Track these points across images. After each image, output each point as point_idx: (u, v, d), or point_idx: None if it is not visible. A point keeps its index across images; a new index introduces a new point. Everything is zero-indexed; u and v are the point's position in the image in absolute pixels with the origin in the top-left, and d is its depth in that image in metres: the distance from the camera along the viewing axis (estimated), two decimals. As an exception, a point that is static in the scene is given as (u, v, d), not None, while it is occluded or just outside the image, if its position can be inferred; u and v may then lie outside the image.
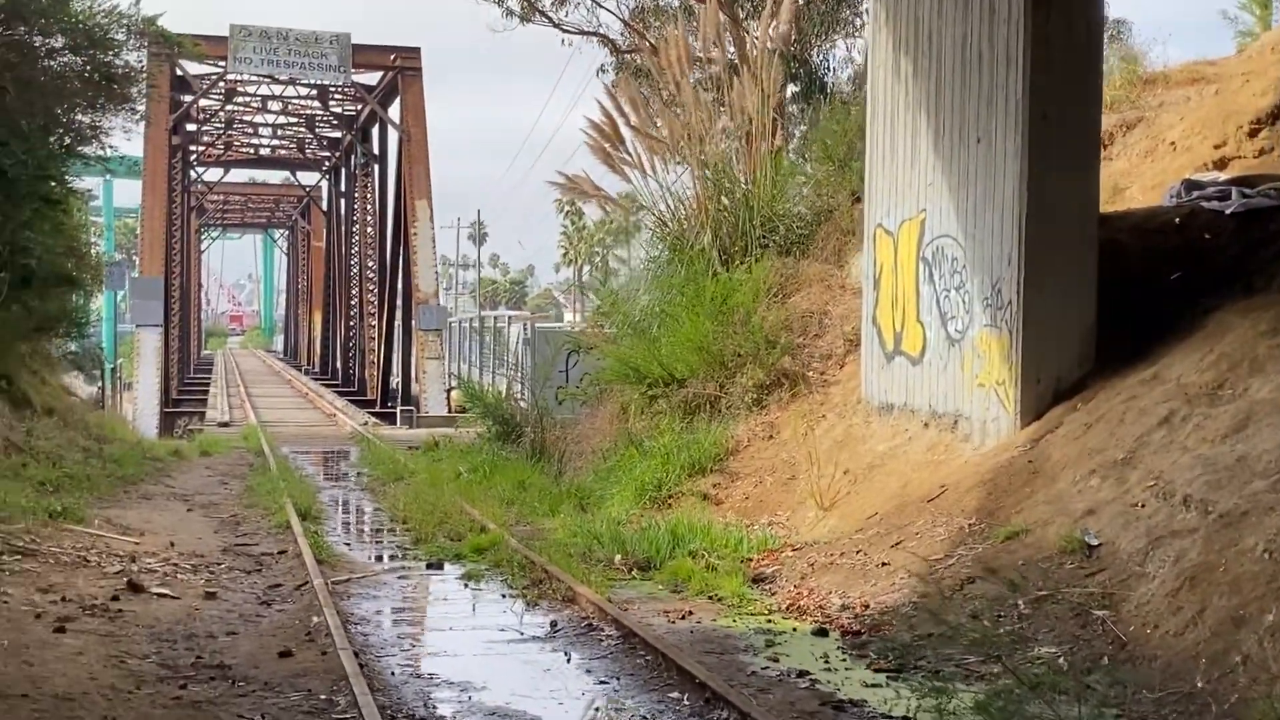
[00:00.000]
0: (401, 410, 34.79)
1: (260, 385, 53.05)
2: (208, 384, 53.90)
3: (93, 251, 25.82)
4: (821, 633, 10.10)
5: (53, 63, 20.47)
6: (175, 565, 12.11)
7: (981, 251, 13.39)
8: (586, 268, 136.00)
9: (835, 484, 14.33)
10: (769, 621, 10.57)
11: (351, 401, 42.79)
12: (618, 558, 13.05)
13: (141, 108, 23.41)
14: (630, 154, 21.15)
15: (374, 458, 23.56)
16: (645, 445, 16.81)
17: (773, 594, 11.65)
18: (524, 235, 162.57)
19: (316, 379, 61.02)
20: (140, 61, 22.23)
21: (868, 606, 10.62)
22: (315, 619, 10.08)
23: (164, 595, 10.80)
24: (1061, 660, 8.56)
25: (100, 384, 27.29)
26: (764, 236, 19.90)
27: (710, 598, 11.43)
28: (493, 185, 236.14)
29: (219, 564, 12.57)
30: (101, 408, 26.52)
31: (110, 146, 22.76)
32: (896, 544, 11.68)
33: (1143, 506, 9.92)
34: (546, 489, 18.07)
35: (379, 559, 14.08)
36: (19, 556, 11.22)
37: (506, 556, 13.09)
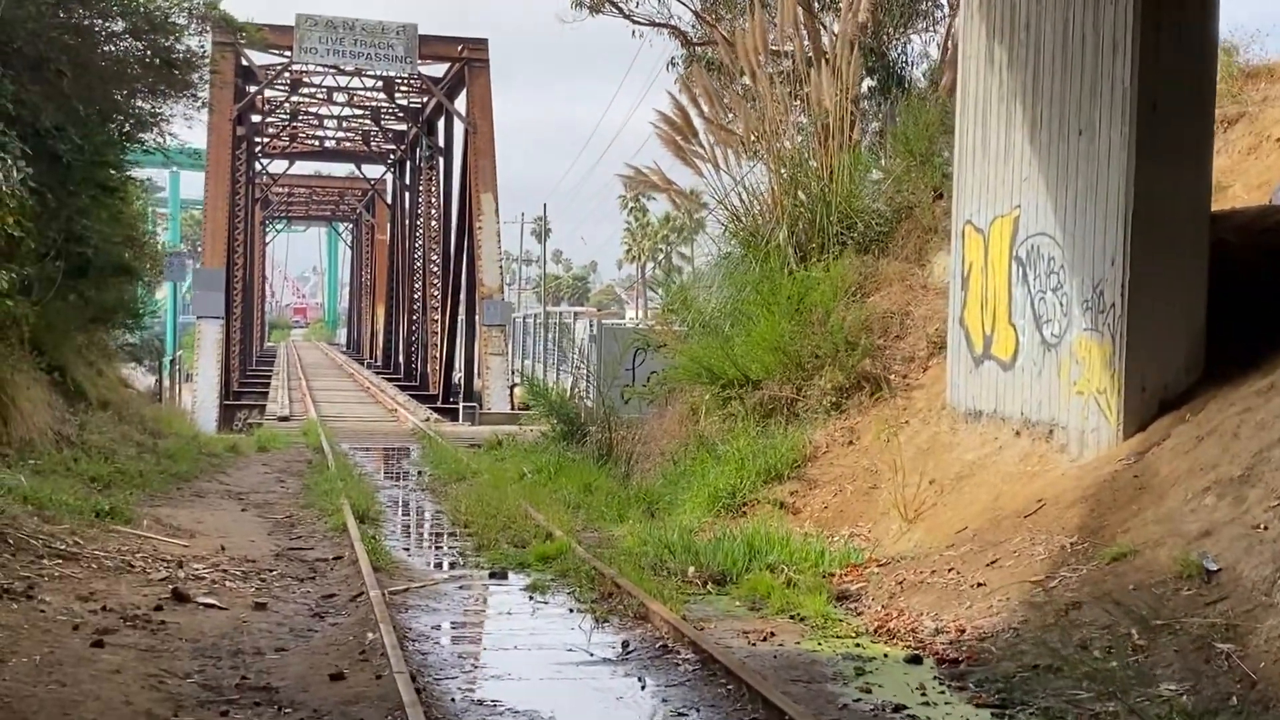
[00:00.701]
0: (464, 407, 34.19)
1: (322, 378, 52.72)
2: (269, 376, 53.63)
3: (152, 241, 25.33)
4: (915, 660, 9.30)
5: (112, 47, 20.01)
6: (224, 571, 11.48)
7: (1082, 251, 12.54)
8: (650, 264, 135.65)
9: (921, 494, 13.52)
10: (857, 645, 9.79)
11: (413, 396, 42.28)
12: (691, 570, 12.31)
13: (204, 94, 22.93)
14: (703, 147, 20.40)
15: (435, 456, 22.94)
16: (718, 449, 16.05)
17: (859, 614, 10.87)
18: (586, 232, 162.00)
19: (379, 373, 60.71)
20: (202, 47, 21.72)
21: (964, 631, 9.81)
22: (370, 635, 9.40)
23: (211, 605, 10.17)
24: (1185, 699, 7.74)
25: (158, 376, 26.87)
26: (841, 233, 19.10)
27: (792, 617, 10.66)
28: (556, 182, 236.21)
29: (271, 570, 11.94)
30: (159, 401, 26.05)
31: (171, 134, 22.35)
32: (992, 563, 10.87)
33: (1266, 529, 9.06)
34: (614, 493, 17.38)
35: (439, 566, 13.41)
36: (60, 560, 10.64)
37: (573, 566, 12.41)
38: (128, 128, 21.03)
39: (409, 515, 17.37)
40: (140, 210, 24.60)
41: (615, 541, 14.41)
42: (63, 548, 10.94)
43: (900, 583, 11.29)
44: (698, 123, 20.26)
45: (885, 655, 9.50)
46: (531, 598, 11.56)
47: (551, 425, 24.18)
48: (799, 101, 21.24)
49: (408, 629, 10.01)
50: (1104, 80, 12.26)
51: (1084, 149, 12.56)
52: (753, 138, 20.74)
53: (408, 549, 14.17)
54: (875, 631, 10.25)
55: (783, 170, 19.73)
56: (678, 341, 20.78)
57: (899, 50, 28.39)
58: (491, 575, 12.53)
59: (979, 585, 10.60)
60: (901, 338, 16.91)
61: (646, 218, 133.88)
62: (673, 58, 34.28)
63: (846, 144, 20.04)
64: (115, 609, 9.69)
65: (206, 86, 22.98)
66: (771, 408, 16.66)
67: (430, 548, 14.72)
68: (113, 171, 19.37)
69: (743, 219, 20.07)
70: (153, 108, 22.21)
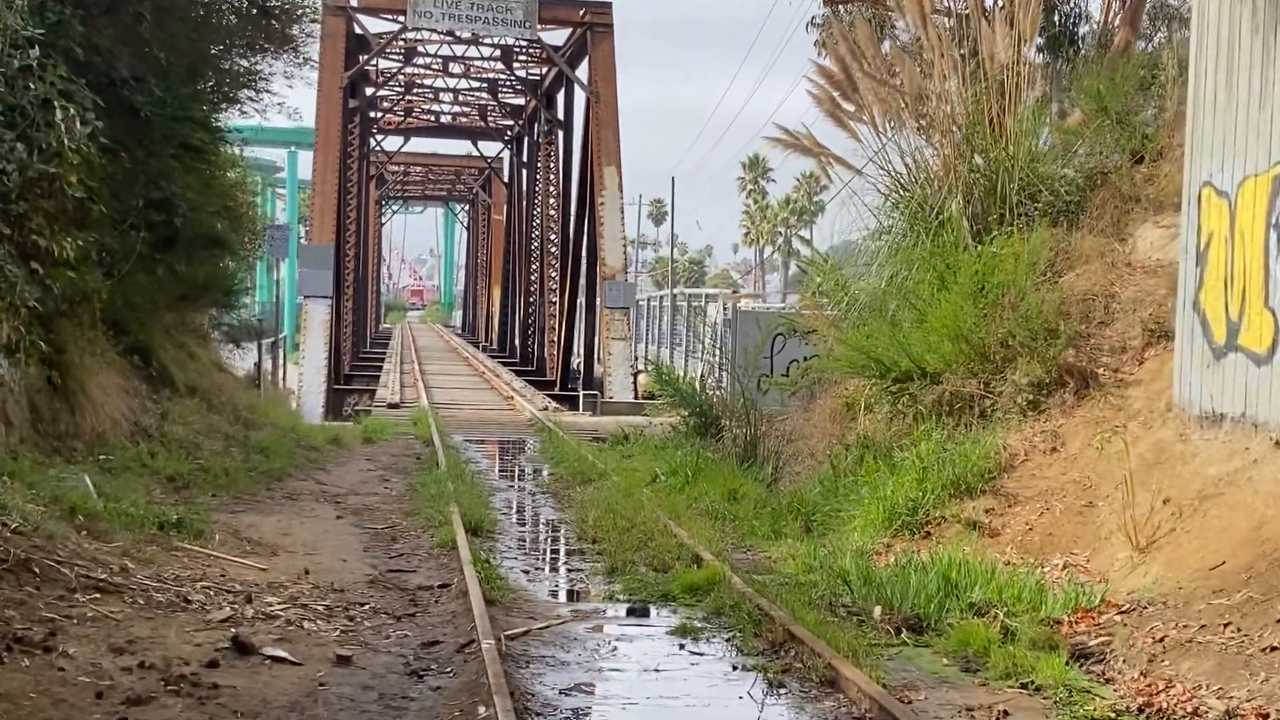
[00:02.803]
0: (584, 395, 31.97)
1: (435, 362, 50.89)
2: (382, 359, 51.98)
3: (252, 213, 23.38)
4: (1215, 764, 6.81)
5: (202, -7, 18.03)
6: (304, 607, 9.27)
7: (1377, 215, 9.87)
8: (769, 247, 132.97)
9: (1154, 517, 10.94)
10: (1124, 736, 7.32)
11: (529, 382, 40.16)
12: (878, 611, 9.91)
13: (306, 51, 20.86)
14: (863, 106, 17.88)
15: (556, 452, 20.69)
16: (894, 456, 13.58)
17: (1108, 680, 8.39)
18: (701, 216, 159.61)
19: (494, 356, 58.84)
20: (304, -2, 19.64)
21: (1268, 718, 7.30)
22: (483, 711, 7.10)
23: (280, 659, 7.93)
24: None
25: (258, 360, 25.05)
26: (1023, 203, 16.50)
27: (1024, 686, 8.20)
28: (671, 165, 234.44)
29: (362, 604, 9.70)
30: (258, 386, 24.14)
31: (270, 92, 20.33)
32: (1287, 618, 8.32)
33: None
34: (762, 501, 15.00)
35: (565, 596, 11.11)
36: (98, 594, 8.48)
37: (730, 602, 10.07)
38: (218, 83, 19.05)
39: (528, 526, 15.08)
40: (240, 179, 22.59)
41: (773, 566, 12.08)
42: (104, 576, 8.79)
43: (1160, 640, 8.76)
44: (859, 79, 17.73)
45: (1170, 756, 7.02)
46: (682, 647, 9.22)
47: (683, 418, 21.85)
48: (969, 55, 18.62)
49: (529, 695, 7.71)
50: None
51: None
52: (919, 95, 18.21)
53: (528, 571, 11.88)
54: (1140, 712, 7.75)
55: (955, 131, 17.14)
56: (830, 327, 18.33)
57: (1071, 3, 25.53)
58: (630, 612, 10.22)
59: (1273, 649, 8.07)
60: (1107, 324, 14.26)
61: (765, 200, 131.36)
62: (813, 17, 31.84)
63: (1025, 102, 17.42)
64: (157, 665, 7.51)
65: (311, 42, 20.85)
66: (953, 405, 14.15)
67: (554, 570, 12.35)
68: (201, 132, 17.26)
69: (909, 188, 17.50)
70: (250, 64, 20.24)
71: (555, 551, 13.31)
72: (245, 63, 20.18)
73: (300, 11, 19.65)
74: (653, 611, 10.24)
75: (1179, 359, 12.37)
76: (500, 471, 19.91)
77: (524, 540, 13.69)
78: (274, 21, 19.50)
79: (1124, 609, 9.61)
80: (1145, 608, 9.51)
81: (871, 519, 12.69)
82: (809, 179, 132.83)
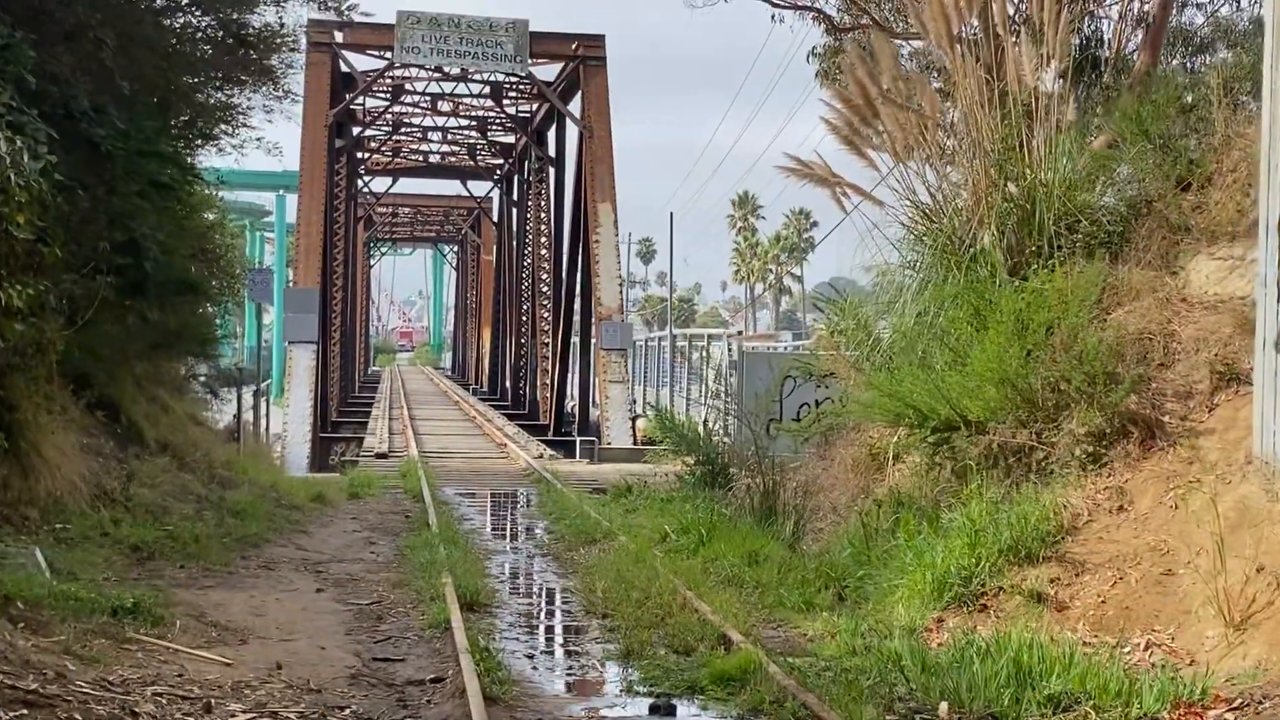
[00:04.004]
0: (581, 442, 30.57)
1: (425, 407, 49.46)
2: (371, 403, 50.55)
3: (230, 256, 22.03)
4: None
5: (171, 21, 16.72)
6: (273, 716, 7.84)
7: None
8: (759, 285, 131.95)
9: (1249, 588, 9.59)
10: None
11: (523, 427, 38.71)
12: (943, 707, 8.53)
13: (287, 83, 19.56)
14: (886, 131, 16.60)
15: (555, 506, 19.28)
16: (938, 515, 12.21)
17: (1233, 800, 7.00)
18: (689, 254, 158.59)
19: (484, 399, 57.41)
20: (282, 24, 18.36)
21: None
22: None
23: (238, 797, 6.52)
24: None
25: (237, 411, 23.65)
26: (1060, 234, 15.20)
27: (1136, 813, 6.82)
28: (660, 205, 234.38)
29: (342, 708, 8.28)
30: (236, 439, 22.73)
31: (248, 126, 19.02)
32: None
33: None
34: (786, 565, 13.60)
35: (577, 689, 9.69)
36: (24, 711, 7.05)
37: (770, 697, 8.66)
38: (193, 118, 17.74)
39: (529, 597, 13.60)
40: (218, 220, 21.26)
41: (809, 645, 10.70)
42: (35, 686, 7.37)
43: (1289, 747, 7.39)
44: (880, 104, 16.46)
45: None
46: (720, 760, 7.83)
47: (688, 467, 20.50)
48: (995, 78, 17.38)
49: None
50: None
51: None
52: (942, 120, 16.99)
53: (531, 656, 10.46)
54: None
55: (988, 157, 15.85)
56: (851, 370, 17.02)
57: (1091, 27, 24.36)
58: (653, 710, 8.81)
59: None
60: (1167, 366, 12.90)
61: (756, 237, 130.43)
62: (814, 47, 30.65)
63: (1065, 125, 16.17)
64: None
65: (292, 74, 19.57)
66: (1001, 459, 12.79)
67: (561, 653, 10.85)
68: (171, 168, 15.94)
69: (936, 219, 16.19)
70: (227, 98, 18.94)
71: (561, 630, 11.86)
72: (222, 96, 18.86)
73: (279, 41, 18.35)
74: (680, 708, 8.84)
75: (1260, 406, 11.03)
76: (495, 530, 18.48)
77: (525, 615, 12.25)
78: (251, 51, 18.24)
79: (1235, 703, 8.24)
80: (1260, 701, 8.14)
81: (918, 589, 11.30)
82: (799, 215, 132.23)
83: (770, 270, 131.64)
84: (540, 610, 12.88)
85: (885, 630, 10.64)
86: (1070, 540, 11.27)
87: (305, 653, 9.76)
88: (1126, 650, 9.74)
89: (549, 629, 11.94)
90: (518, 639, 11.01)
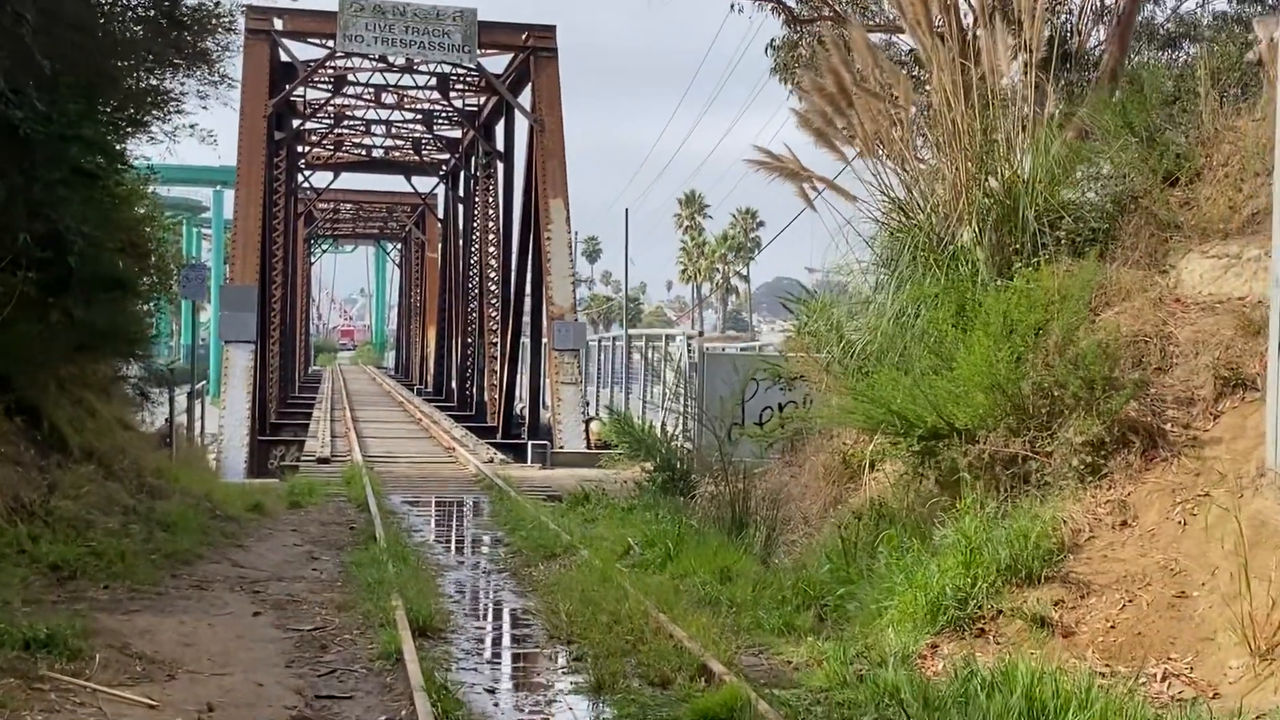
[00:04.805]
0: (533, 446, 29.54)
1: (368, 408, 48.24)
2: (312, 404, 49.27)
3: (163, 251, 20.89)
4: None
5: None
6: (202, 773, 6.86)
7: None
8: (706, 284, 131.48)
9: (1274, 614, 8.81)
10: None
11: (470, 429, 37.65)
12: (954, 752, 7.65)
13: (223, 68, 18.45)
14: (860, 123, 15.79)
15: (510, 516, 18.31)
16: (926, 530, 11.37)
17: None
18: (634, 254, 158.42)
19: (429, 400, 56.24)
20: (217, 3, 17.26)
21: None
22: None
23: None
24: None
25: (169, 415, 22.52)
26: (1042, 231, 14.43)
27: None
28: (604, 205, 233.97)
29: (281, 760, 7.32)
30: (168, 444, 21.60)
31: (180, 113, 17.93)
32: None
33: None
34: (761, 582, 12.72)
35: (546, 731, 8.76)
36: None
37: (761, 743, 7.77)
38: (122, 104, 16.63)
39: (487, 620, 12.59)
40: (150, 213, 20.11)
41: (795, 675, 9.80)
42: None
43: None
44: (855, 94, 15.65)
45: None
46: (712, 816, 6.92)
47: (648, 474, 19.61)
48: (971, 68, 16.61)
49: None
50: None
51: None
52: (920, 112, 16.25)
53: (493, 690, 9.52)
54: None
55: (967, 150, 15.06)
56: (823, 373, 16.20)
57: (1060, 19, 23.70)
58: (633, 758, 7.91)
59: None
60: (1165, 371, 12.12)
61: (702, 237, 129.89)
62: (772, 39, 29.91)
63: (1046, 118, 15.42)
64: None
65: (228, 58, 18.45)
66: (989, 469, 11.96)
67: (526, 688, 9.88)
68: (97, 155, 14.85)
69: (912, 215, 15.38)
70: (159, 82, 17.83)
71: (524, 657, 10.86)
72: (153, 80, 17.75)
73: (214, 22, 17.25)
74: (662, 754, 7.95)
75: (1272, 415, 10.23)
76: (446, 542, 17.46)
77: (484, 641, 11.28)
78: (185, 33, 17.13)
79: (1275, 747, 7.44)
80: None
81: (909, 612, 10.43)
82: (746, 215, 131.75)
83: (717, 270, 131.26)
84: (500, 635, 11.86)
85: (877, 657, 9.78)
86: (1073, 559, 10.45)
87: (241, 690, 8.77)
88: (1141, 681, 8.93)
89: (511, 658, 10.94)
90: (476, 669, 10.06)
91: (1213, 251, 13.32)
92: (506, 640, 11.67)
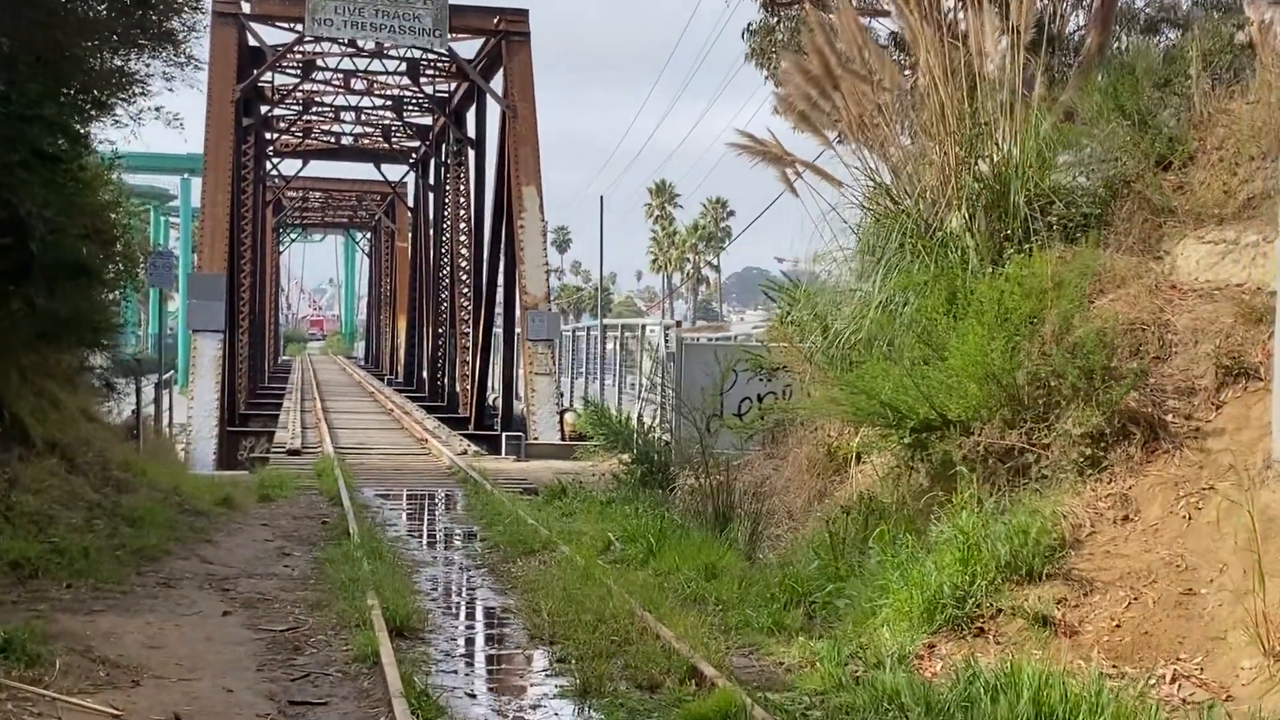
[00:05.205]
0: (507, 438, 29.04)
1: (339, 399, 47.63)
2: (282, 395, 48.63)
3: (129, 238, 20.34)
4: None
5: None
6: (169, 791, 6.43)
7: None
8: (676, 274, 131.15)
9: (1289, 612, 8.48)
10: None
11: (442, 420, 37.13)
12: (963, 761, 7.28)
13: (189, 48, 17.89)
14: (845, 106, 15.41)
15: (486, 510, 17.87)
16: (918, 524, 11.00)
17: None
18: (605, 244, 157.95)
19: (401, 391, 55.67)
20: (185, -20, 16.72)
21: None
22: None
23: None
24: None
25: (136, 405, 22.01)
26: (1033, 216, 14.08)
27: None
28: (572, 196, 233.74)
29: (253, 775, 6.89)
30: (135, 436, 21.08)
31: (146, 94, 17.39)
32: None
33: None
34: (747, 578, 12.34)
35: (530, 738, 8.36)
36: None
37: (759, 751, 7.39)
38: (86, 85, 16.09)
39: (466, 620, 12.07)
40: (116, 198, 19.55)
41: (788, 677, 9.43)
42: None
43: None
44: (840, 75, 15.27)
45: None
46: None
47: (626, 466, 19.23)
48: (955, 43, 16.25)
49: None
50: None
51: None
52: (906, 93, 15.87)
53: (474, 695, 9.10)
54: None
55: (956, 133, 14.69)
56: (806, 362, 15.84)
57: (1043, 2, 23.32)
58: (625, 768, 7.51)
59: None
60: (1164, 360, 11.79)
61: (673, 226, 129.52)
62: (749, 23, 29.49)
63: (1024, 100, 15.07)
64: None
65: (195, 38, 17.90)
66: (983, 462, 11.60)
67: (509, 693, 9.44)
68: (59, 137, 14.35)
69: (899, 200, 15.00)
70: (124, 63, 17.27)
71: (506, 659, 10.43)
72: (118, 60, 17.19)
73: (180, 1, 16.72)
74: (655, 763, 7.55)
75: (1278, 403, 9.92)
76: (422, 537, 17.01)
77: (463, 642, 10.86)
78: (149, 13, 16.59)
79: (1300, 755, 7.09)
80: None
81: (904, 611, 10.06)
82: (716, 204, 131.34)
83: (688, 259, 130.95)
84: (480, 636, 11.41)
85: (873, 658, 9.42)
86: (1074, 555, 10.10)
87: (209, 696, 8.33)
88: (1159, 686, 8.59)
89: (492, 659, 10.50)
90: (456, 672, 9.65)
91: (1209, 237, 13.01)
92: (487, 641, 11.24)
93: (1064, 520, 10.35)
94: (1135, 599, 9.51)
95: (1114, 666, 8.91)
